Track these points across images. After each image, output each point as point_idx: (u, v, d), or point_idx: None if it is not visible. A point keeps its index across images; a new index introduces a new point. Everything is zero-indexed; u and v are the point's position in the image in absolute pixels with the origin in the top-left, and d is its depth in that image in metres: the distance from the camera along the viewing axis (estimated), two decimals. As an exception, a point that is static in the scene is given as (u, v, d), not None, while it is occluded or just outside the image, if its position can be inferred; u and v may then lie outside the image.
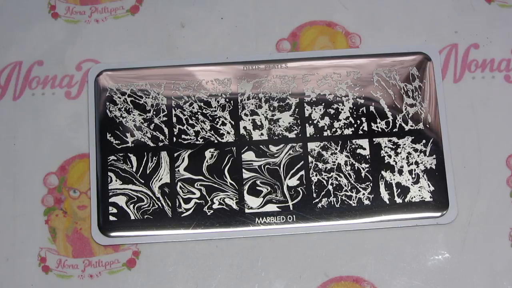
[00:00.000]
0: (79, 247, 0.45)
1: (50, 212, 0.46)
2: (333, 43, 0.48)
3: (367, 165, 0.46)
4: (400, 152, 0.46)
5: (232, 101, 0.47)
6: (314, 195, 0.45)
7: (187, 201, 0.45)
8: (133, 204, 0.45)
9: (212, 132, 0.46)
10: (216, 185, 0.46)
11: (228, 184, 0.46)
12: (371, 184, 0.45)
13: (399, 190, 0.45)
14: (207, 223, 0.45)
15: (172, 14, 0.49)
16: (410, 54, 0.48)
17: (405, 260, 0.45)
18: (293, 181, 0.46)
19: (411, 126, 0.46)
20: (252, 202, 0.45)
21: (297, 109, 0.47)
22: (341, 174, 0.46)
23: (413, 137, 0.46)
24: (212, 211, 0.45)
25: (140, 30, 0.49)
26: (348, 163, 0.46)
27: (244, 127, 0.47)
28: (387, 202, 0.45)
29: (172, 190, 0.46)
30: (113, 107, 0.47)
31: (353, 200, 0.45)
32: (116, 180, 0.46)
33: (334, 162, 0.46)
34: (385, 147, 0.46)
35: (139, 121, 0.47)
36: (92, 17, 0.49)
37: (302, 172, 0.46)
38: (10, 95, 0.48)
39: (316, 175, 0.46)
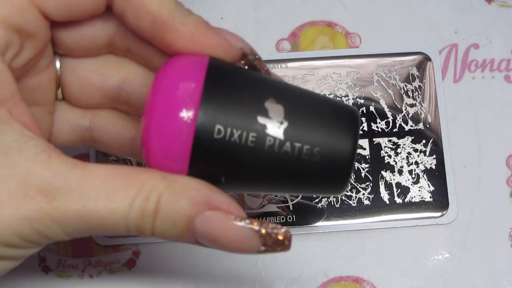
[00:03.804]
0: (79, 247, 0.45)
1: (50, 212, 0.46)
2: (333, 43, 0.48)
3: (367, 165, 0.46)
4: (400, 152, 0.46)
5: (232, 101, 0.47)
6: (314, 195, 0.45)
7: (187, 201, 0.45)
8: (133, 204, 0.45)
9: (212, 132, 0.46)
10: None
11: (228, 184, 0.46)
12: (371, 184, 0.45)
13: (399, 190, 0.45)
14: (207, 223, 0.45)
15: (172, 14, 0.49)
16: (410, 54, 0.48)
17: (405, 260, 0.45)
18: (293, 181, 0.46)
19: (411, 126, 0.46)
20: (252, 202, 0.45)
21: (297, 109, 0.47)
22: (341, 174, 0.46)
23: (413, 137, 0.46)
24: (212, 211, 0.45)
25: (140, 30, 0.49)
26: (348, 163, 0.46)
27: (244, 127, 0.46)
28: (387, 202, 0.45)
29: (172, 190, 0.45)
30: (113, 107, 0.47)
31: (353, 200, 0.45)
32: (116, 180, 0.46)
33: (334, 162, 0.46)
34: (385, 147, 0.46)
35: (139, 121, 0.47)
36: (92, 17, 0.49)
37: (302, 172, 0.46)
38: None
39: (316, 175, 0.46)
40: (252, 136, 0.28)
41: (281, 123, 0.28)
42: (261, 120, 0.28)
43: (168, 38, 0.29)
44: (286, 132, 0.28)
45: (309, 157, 0.29)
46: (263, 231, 0.28)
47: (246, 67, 0.31)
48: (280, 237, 0.28)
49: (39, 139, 0.28)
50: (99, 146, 0.36)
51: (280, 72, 0.47)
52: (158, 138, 0.28)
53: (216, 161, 0.28)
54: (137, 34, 0.31)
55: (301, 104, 0.29)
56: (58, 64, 0.33)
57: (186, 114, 0.27)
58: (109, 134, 0.35)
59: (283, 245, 0.28)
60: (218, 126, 0.28)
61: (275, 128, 0.28)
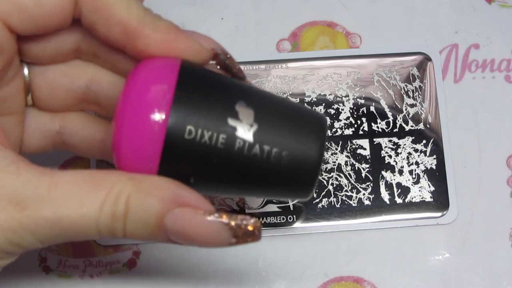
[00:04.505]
0: (79, 248, 0.45)
1: (50, 212, 0.46)
2: (333, 43, 0.48)
3: (367, 165, 0.46)
4: (401, 152, 0.46)
5: (232, 101, 0.47)
6: (315, 195, 0.45)
7: (187, 201, 0.45)
8: (133, 204, 0.45)
9: (213, 132, 0.46)
10: (216, 185, 0.45)
11: (229, 184, 0.45)
12: (371, 184, 0.45)
13: (399, 190, 0.45)
14: (207, 223, 0.45)
15: (172, 14, 0.49)
16: (410, 54, 0.48)
17: (405, 260, 0.45)
18: (294, 181, 0.45)
19: (412, 126, 0.46)
20: (252, 202, 0.45)
21: (297, 109, 0.47)
22: (341, 174, 0.46)
23: (413, 137, 0.46)
24: (212, 211, 0.45)
25: (140, 30, 0.49)
26: (348, 163, 0.46)
27: (245, 127, 0.46)
28: (388, 202, 0.45)
29: (173, 190, 0.45)
30: (114, 107, 0.47)
31: (354, 200, 0.45)
32: (116, 180, 0.46)
33: (335, 162, 0.46)
34: (385, 147, 0.46)
35: (140, 121, 0.47)
36: (92, 17, 0.49)
37: (303, 172, 0.46)
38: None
39: (316, 175, 0.46)
40: (222, 138, 0.28)
41: (251, 125, 0.29)
42: (231, 122, 0.29)
43: (140, 45, 0.30)
44: (255, 135, 0.29)
45: (277, 161, 0.29)
46: (233, 223, 0.28)
47: (219, 67, 0.32)
48: (250, 228, 0.28)
49: (7, 151, 0.28)
50: (70, 149, 0.36)
51: (280, 72, 0.47)
52: (129, 139, 0.28)
53: (186, 162, 0.29)
54: (108, 43, 0.31)
55: (271, 108, 0.30)
56: (26, 71, 0.33)
57: (158, 115, 0.28)
58: (79, 137, 0.35)
59: (254, 235, 0.29)
60: (189, 127, 0.28)
61: (245, 130, 0.29)
